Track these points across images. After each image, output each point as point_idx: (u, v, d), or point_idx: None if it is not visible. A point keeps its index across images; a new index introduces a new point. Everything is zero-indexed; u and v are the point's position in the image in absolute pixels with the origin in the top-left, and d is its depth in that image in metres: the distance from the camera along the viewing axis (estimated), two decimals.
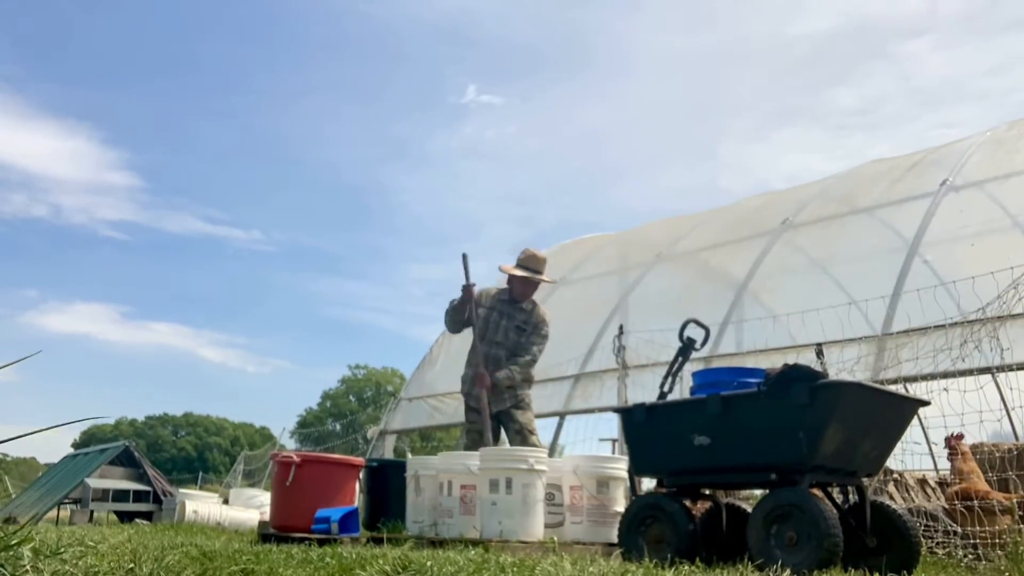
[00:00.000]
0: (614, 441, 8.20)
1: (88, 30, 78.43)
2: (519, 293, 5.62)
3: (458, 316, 5.64)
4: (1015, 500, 4.66)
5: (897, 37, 75.92)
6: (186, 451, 62.25)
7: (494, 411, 5.43)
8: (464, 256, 5.61)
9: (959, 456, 5.04)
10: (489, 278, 8.01)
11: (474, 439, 5.46)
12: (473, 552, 3.29)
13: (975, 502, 4.64)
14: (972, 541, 4.50)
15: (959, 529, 4.62)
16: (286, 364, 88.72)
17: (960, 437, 5.37)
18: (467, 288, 5.55)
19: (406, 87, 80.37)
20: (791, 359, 3.74)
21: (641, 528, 3.50)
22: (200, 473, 30.05)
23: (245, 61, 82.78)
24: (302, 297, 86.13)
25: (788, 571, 2.82)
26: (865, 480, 3.50)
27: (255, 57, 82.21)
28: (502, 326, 5.59)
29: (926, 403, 3.62)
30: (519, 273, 5.57)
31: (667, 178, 77.31)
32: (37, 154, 77.62)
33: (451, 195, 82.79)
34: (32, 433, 1.65)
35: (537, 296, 5.73)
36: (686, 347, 3.89)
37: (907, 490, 5.44)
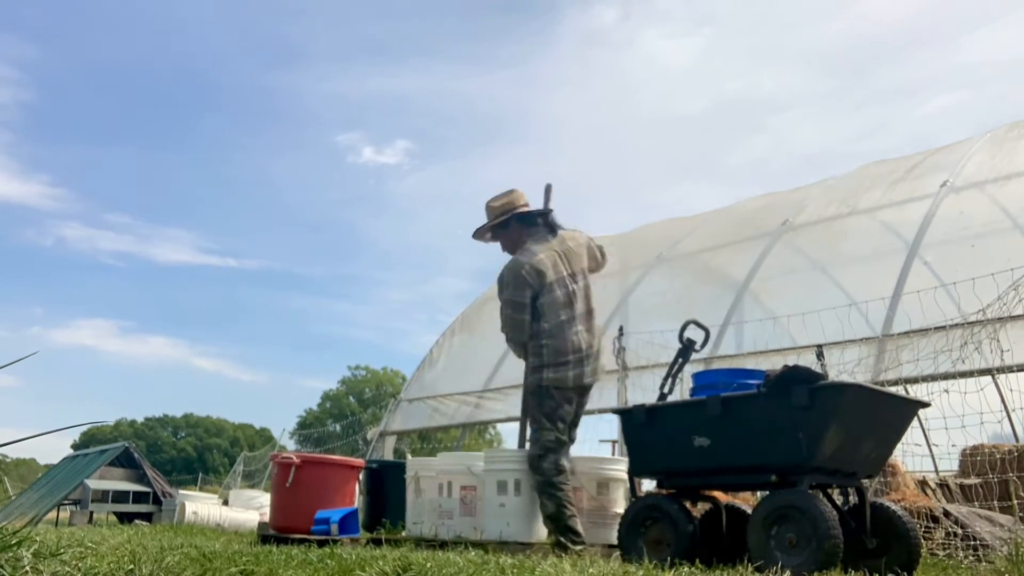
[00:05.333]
0: (614, 442, 8.20)
1: (61, 101, 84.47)
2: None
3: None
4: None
5: (766, 113, 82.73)
6: (186, 452, 62.25)
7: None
8: (548, 186, 4.58)
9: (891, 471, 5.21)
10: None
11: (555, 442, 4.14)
12: (473, 553, 3.29)
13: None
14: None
15: None
16: (280, 373, 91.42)
17: None
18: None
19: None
20: (791, 360, 3.74)
21: (641, 529, 3.49)
22: (200, 474, 30.05)
23: (214, 125, 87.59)
24: (287, 314, 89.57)
25: (788, 573, 2.82)
26: (865, 481, 3.50)
27: (224, 121, 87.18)
28: None
29: (926, 404, 3.62)
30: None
31: (599, 214, 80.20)
32: (36, 198, 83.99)
33: (414, 230, 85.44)
34: (33, 436, 1.65)
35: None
36: (686, 348, 3.89)
37: None
